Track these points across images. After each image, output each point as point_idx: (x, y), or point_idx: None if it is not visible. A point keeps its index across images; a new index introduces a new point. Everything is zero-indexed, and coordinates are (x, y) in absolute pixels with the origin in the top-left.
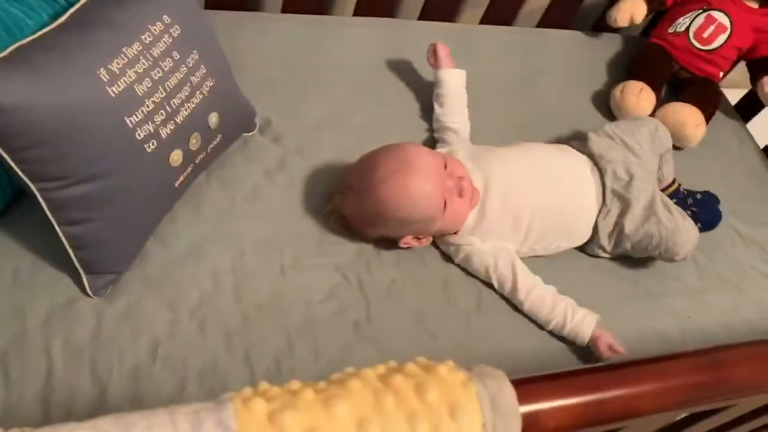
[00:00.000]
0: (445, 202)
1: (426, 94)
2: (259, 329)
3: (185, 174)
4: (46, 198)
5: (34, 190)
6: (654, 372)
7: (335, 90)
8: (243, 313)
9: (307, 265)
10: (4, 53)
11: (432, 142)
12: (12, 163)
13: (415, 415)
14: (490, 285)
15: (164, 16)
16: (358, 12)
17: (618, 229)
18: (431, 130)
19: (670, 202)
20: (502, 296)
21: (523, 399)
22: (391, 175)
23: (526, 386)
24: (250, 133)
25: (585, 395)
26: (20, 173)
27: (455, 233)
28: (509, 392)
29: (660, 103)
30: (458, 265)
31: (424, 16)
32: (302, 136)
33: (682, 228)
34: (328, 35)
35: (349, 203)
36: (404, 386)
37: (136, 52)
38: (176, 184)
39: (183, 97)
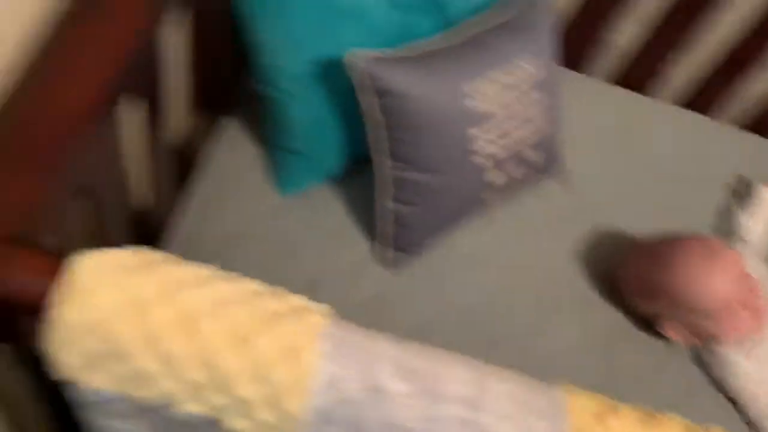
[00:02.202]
0: (731, 308)
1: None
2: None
3: (491, 193)
4: (393, 175)
5: (388, 164)
6: None
7: (641, 165)
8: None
9: (555, 319)
10: (403, 52)
11: None
12: (385, 137)
13: None
14: None
15: (528, 56)
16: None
17: None
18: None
19: None
20: None
21: None
22: (698, 259)
23: None
24: (551, 179)
25: None
26: (386, 147)
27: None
28: None
29: None
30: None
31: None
32: (596, 195)
33: None
34: (645, 117)
35: (639, 265)
36: None
37: (495, 78)
38: (482, 199)
39: (519, 129)
